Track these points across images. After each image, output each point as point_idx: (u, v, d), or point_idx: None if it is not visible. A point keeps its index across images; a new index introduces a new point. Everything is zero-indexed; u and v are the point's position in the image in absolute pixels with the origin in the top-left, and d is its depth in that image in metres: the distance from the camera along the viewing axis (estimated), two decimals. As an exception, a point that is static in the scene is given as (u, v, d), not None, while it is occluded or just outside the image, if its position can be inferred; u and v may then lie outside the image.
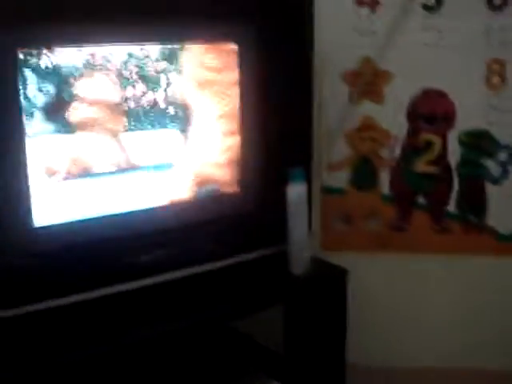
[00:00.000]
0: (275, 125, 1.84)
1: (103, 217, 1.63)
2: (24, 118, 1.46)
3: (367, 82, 2.00)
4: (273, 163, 1.84)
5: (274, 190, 1.83)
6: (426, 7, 1.94)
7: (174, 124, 1.68)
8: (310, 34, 1.84)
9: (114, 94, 1.58)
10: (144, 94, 1.62)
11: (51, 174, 1.53)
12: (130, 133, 1.63)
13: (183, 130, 1.71)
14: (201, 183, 1.76)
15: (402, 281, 2.11)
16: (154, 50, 1.60)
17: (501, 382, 2.09)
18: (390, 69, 1.99)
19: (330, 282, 1.93)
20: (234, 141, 1.79)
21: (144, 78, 1.60)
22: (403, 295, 2.12)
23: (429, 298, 2.10)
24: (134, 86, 1.60)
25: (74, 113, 1.52)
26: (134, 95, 1.60)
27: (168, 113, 1.67)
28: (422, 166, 2.03)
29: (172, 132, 1.69)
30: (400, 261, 2.08)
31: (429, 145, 2.00)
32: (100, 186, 1.61)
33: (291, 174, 1.82)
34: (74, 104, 1.52)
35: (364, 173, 2.06)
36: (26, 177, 1.49)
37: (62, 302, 1.57)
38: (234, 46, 1.72)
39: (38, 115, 1.48)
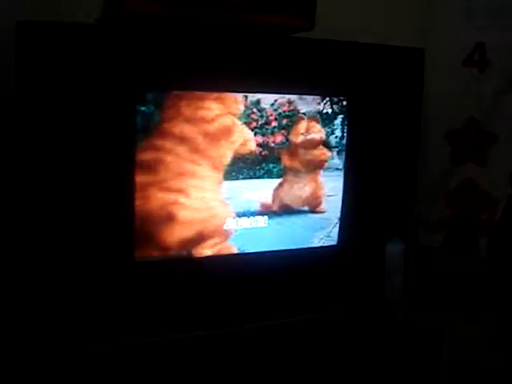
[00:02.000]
0: (378, 181, 1.81)
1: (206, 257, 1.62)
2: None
3: (471, 143, 1.97)
4: (373, 220, 1.81)
5: (373, 247, 1.79)
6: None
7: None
8: (419, 95, 1.81)
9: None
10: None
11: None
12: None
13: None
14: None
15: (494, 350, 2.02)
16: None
17: None
18: (495, 131, 1.95)
19: (424, 343, 1.86)
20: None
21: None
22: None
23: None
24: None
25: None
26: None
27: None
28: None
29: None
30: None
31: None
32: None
33: (391, 232, 1.78)
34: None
35: (461, 234, 2.01)
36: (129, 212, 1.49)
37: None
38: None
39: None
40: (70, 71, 1.36)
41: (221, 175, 1.58)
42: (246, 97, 1.57)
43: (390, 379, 1.84)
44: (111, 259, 1.49)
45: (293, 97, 1.63)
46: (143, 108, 1.45)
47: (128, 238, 1.51)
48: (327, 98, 1.68)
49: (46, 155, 1.38)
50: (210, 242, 1.61)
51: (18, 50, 1.32)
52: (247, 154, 1.60)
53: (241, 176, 1.60)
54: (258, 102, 1.59)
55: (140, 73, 1.43)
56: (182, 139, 1.51)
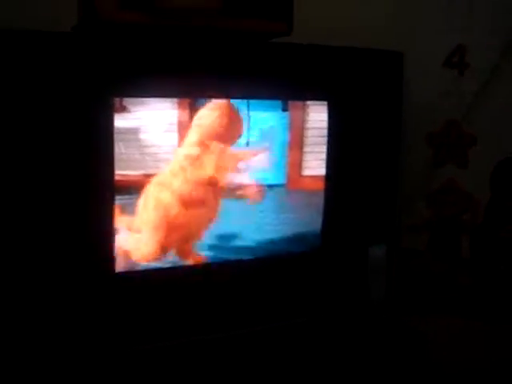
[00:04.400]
0: (360, 184, 1.81)
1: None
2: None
3: (451, 144, 1.97)
4: (356, 223, 1.81)
5: (355, 250, 1.79)
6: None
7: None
8: (400, 98, 1.81)
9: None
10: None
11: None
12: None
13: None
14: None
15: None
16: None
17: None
18: (476, 132, 1.96)
19: (408, 343, 1.86)
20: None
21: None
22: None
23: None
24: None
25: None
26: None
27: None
28: (506, 232, 1.97)
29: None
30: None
31: (514, 211, 1.95)
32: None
33: (374, 235, 1.79)
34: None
35: (444, 236, 2.01)
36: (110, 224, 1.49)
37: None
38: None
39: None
40: (46, 79, 1.35)
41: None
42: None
43: (375, 379, 1.84)
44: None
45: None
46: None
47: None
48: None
49: (26, 164, 1.37)
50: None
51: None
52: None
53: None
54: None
55: (113, 79, 1.43)
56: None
